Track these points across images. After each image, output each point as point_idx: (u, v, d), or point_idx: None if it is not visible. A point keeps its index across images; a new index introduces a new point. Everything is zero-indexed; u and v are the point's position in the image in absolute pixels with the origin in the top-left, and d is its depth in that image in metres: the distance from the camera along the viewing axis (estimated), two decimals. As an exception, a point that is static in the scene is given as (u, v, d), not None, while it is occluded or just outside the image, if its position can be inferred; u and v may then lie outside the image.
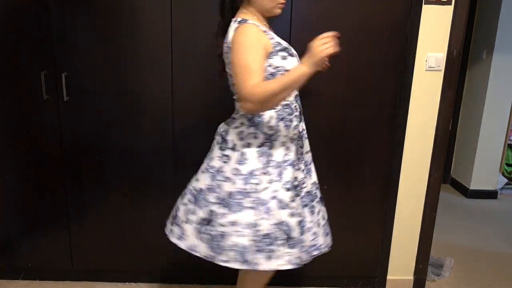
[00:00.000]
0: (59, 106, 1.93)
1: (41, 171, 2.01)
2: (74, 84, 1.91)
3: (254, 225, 1.37)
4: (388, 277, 2.18)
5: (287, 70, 1.35)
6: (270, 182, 1.39)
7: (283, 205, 1.39)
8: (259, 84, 1.26)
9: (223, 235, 1.39)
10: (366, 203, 2.07)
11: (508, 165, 3.88)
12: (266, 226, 1.36)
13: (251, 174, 1.40)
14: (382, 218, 2.09)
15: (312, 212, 1.51)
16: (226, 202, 1.41)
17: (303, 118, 1.52)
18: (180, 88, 1.91)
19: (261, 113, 1.39)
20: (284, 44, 1.41)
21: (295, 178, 1.46)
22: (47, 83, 1.89)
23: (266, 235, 1.37)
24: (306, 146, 1.54)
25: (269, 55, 1.35)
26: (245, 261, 1.37)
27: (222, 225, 1.39)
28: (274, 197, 1.38)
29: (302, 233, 1.45)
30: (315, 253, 1.50)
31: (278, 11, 1.40)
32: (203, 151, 1.99)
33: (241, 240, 1.37)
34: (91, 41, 1.87)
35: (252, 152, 1.41)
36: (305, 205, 1.50)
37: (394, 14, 1.85)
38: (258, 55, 1.30)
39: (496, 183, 3.65)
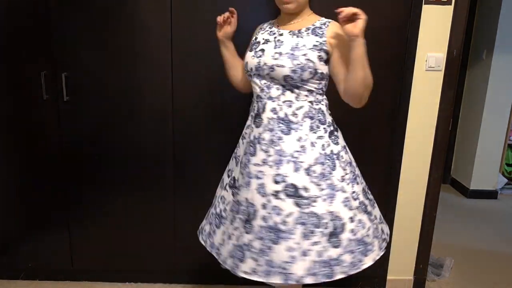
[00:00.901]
0: (59, 106, 1.93)
1: (41, 171, 2.01)
2: (74, 84, 1.91)
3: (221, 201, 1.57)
4: (388, 277, 2.18)
5: (246, 62, 1.45)
6: (230, 163, 1.58)
7: (221, 185, 1.59)
8: None
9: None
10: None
11: (508, 165, 3.88)
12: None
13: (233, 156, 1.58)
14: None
15: (231, 222, 1.45)
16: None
17: (271, 128, 1.38)
18: (180, 88, 1.91)
19: None
20: (260, 39, 1.47)
21: (237, 178, 1.47)
22: (47, 83, 1.89)
23: (217, 215, 1.55)
24: (259, 158, 1.38)
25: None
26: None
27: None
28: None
29: (217, 225, 1.52)
30: (215, 255, 1.52)
31: (283, 6, 1.42)
32: (203, 151, 2.00)
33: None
34: (91, 41, 1.87)
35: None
36: (231, 210, 1.46)
37: (394, 14, 1.85)
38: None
39: (496, 183, 3.65)
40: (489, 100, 3.45)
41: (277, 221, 1.33)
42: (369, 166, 2.03)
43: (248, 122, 1.48)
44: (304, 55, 1.35)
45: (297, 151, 1.36)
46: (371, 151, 2.01)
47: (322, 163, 1.37)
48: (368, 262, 1.41)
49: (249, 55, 1.46)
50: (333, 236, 1.34)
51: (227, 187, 1.52)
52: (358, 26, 1.27)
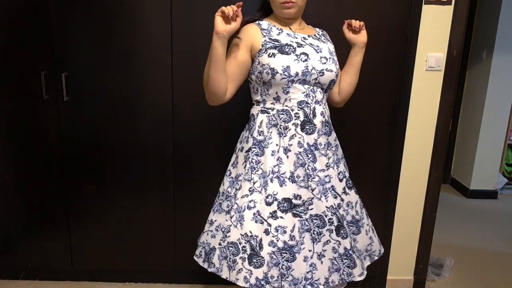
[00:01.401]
0: (59, 106, 1.93)
1: (41, 171, 2.01)
2: (74, 84, 1.91)
3: (225, 230, 1.36)
4: (388, 277, 2.18)
5: (272, 68, 1.31)
6: (251, 190, 1.34)
7: (258, 218, 1.31)
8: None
9: (202, 231, 1.48)
10: (366, 203, 2.06)
11: (508, 165, 3.88)
12: (235, 234, 1.32)
13: (236, 178, 1.40)
14: (382, 218, 2.09)
15: (314, 240, 1.34)
16: (215, 200, 1.47)
17: (325, 131, 1.40)
18: (180, 88, 1.91)
19: (253, 117, 1.42)
20: (285, 42, 1.35)
21: (298, 196, 1.34)
22: (47, 83, 1.89)
23: (232, 243, 1.32)
24: (322, 163, 1.37)
25: (258, 52, 1.35)
26: (211, 263, 1.39)
27: (206, 221, 1.48)
28: (250, 207, 1.32)
29: (290, 259, 1.30)
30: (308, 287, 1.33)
31: (283, 11, 1.37)
32: (203, 151, 2.00)
33: (211, 241, 1.41)
34: (91, 41, 1.87)
35: (241, 156, 1.41)
36: (307, 230, 1.33)
37: (394, 14, 1.85)
38: (234, 51, 1.36)
39: (496, 183, 3.65)
40: (489, 100, 3.45)
41: (353, 214, 1.45)
42: (369, 166, 2.03)
43: (292, 132, 1.35)
44: (337, 60, 1.45)
45: (336, 150, 1.46)
46: (371, 151, 2.02)
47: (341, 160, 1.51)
48: (377, 245, 1.55)
49: (288, 59, 1.32)
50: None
51: (280, 213, 1.31)
52: (365, 35, 1.48)
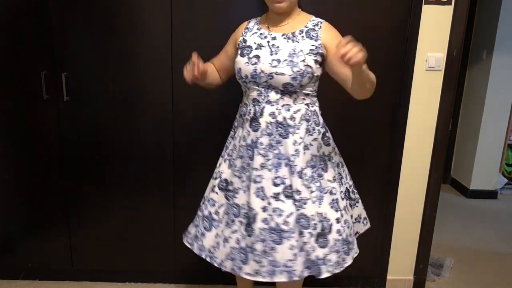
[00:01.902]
0: (59, 106, 1.93)
1: (41, 171, 2.01)
2: (74, 84, 1.91)
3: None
4: (388, 277, 2.18)
5: (239, 68, 1.41)
6: (218, 164, 1.56)
7: (209, 187, 1.57)
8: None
9: None
10: (366, 203, 2.07)
11: (508, 165, 3.88)
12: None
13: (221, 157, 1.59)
14: (382, 218, 2.09)
15: (227, 225, 1.44)
16: None
17: (269, 132, 1.38)
18: (180, 88, 1.91)
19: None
20: (251, 43, 1.42)
21: (231, 182, 1.46)
22: (47, 83, 1.89)
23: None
24: (257, 162, 1.38)
25: (236, 51, 1.47)
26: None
27: None
28: (211, 178, 1.57)
29: (206, 227, 1.50)
30: (207, 259, 1.49)
31: (275, 6, 1.37)
32: (203, 151, 2.00)
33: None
34: (91, 41, 1.87)
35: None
36: (226, 213, 1.46)
37: (394, 14, 1.85)
38: (226, 46, 1.56)
39: (496, 183, 3.65)
40: (489, 100, 3.44)
41: (279, 222, 1.35)
42: (369, 166, 2.03)
43: (244, 125, 1.45)
44: (303, 61, 1.34)
45: (293, 155, 1.38)
46: (371, 151, 2.01)
47: (314, 166, 1.41)
48: (349, 261, 1.45)
49: (241, 61, 1.41)
50: (321, 236, 1.38)
51: (217, 189, 1.50)
52: (360, 58, 1.16)
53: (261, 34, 1.43)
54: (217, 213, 1.48)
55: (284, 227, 1.35)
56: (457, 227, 3.06)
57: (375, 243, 2.11)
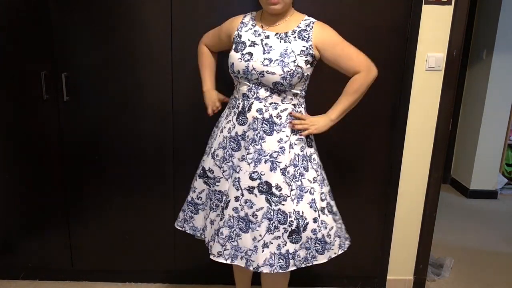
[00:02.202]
0: (59, 106, 1.93)
1: (41, 171, 2.01)
2: (74, 84, 1.91)
3: None
4: (388, 277, 2.18)
5: (228, 62, 1.47)
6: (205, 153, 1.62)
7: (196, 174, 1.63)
8: (204, 35, 1.68)
9: None
10: (366, 203, 2.07)
11: (508, 165, 3.88)
12: None
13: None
14: (382, 218, 2.09)
15: (211, 208, 1.55)
16: None
17: (255, 127, 1.43)
18: (179, 88, 1.91)
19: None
20: (245, 39, 1.46)
21: (211, 170, 1.54)
22: (47, 83, 1.89)
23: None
24: (240, 154, 1.45)
25: (231, 44, 1.51)
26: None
27: None
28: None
29: (193, 211, 1.61)
30: (202, 237, 1.61)
31: (269, 7, 1.40)
32: (203, 151, 1.99)
33: None
34: (91, 41, 1.87)
35: None
36: (210, 199, 1.55)
37: (394, 14, 1.85)
38: (220, 27, 1.60)
39: (496, 183, 3.65)
40: (489, 100, 3.44)
41: (249, 213, 1.43)
42: (369, 166, 2.03)
43: (229, 117, 1.51)
44: (294, 61, 1.39)
45: (276, 152, 1.42)
46: (371, 151, 2.01)
47: (296, 165, 1.44)
48: (322, 259, 1.49)
49: (235, 56, 1.45)
50: (295, 233, 1.42)
51: (197, 177, 1.60)
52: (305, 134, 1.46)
53: (255, 31, 1.47)
54: (199, 198, 1.60)
55: (252, 218, 1.42)
56: (457, 227, 3.06)
57: (375, 243, 2.12)
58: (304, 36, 1.42)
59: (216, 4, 1.83)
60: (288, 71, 1.37)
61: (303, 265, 1.45)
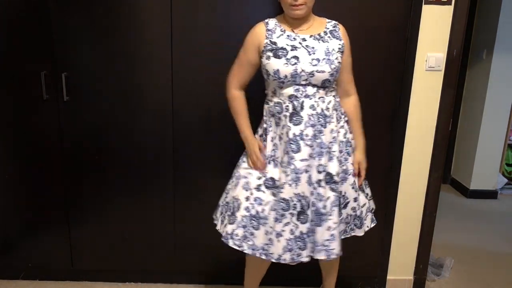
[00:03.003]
0: (59, 106, 1.93)
1: (41, 171, 2.01)
2: (74, 84, 1.91)
3: (226, 191, 1.65)
4: (388, 277, 2.18)
5: (266, 70, 1.50)
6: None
7: (246, 187, 1.56)
8: (228, 79, 1.61)
9: None
10: (366, 203, 2.07)
11: (508, 165, 3.88)
12: (230, 196, 1.61)
13: (247, 152, 1.62)
14: (382, 218, 2.09)
15: (276, 220, 1.51)
16: None
17: (313, 123, 1.49)
18: (180, 88, 1.91)
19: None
20: (283, 45, 1.48)
21: (279, 178, 1.53)
22: (47, 83, 1.89)
23: (227, 203, 1.62)
24: (305, 153, 1.49)
25: (261, 54, 1.52)
26: (215, 217, 1.68)
27: None
28: (245, 177, 1.58)
29: (255, 226, 1.54)
30: (262, 256, 1.54)
31: (292, 12, 1.47)
32: (203, 151, 2.00)
33: (220, 200, 1.68)
34: (91, 41, 1.87)
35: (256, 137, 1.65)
36: (274, 210, 1.52)
37: (394, 14, 1.85)
38: (243, 52, 1.56)
39: (496, 183, 3.65)
40: (489, 100, 3.44)
41: (320, 207, 1.51)
42: (369, 166, 2.03)
43: (280, 122, 1.52)
44: (336, 58, 1.51)
45: (331, 142, 1.53)
46: (371, 151, 2.01)
47: (341, 151, 1.57)
48: (359, 233, 1.69)
49: (278, 62, 1.47)
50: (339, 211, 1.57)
51: (263, 188, 1.55)
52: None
53: (288, 36, 1.51)
54: (263, 211, 1.54)
55: (322, 210, 1.51)
56: (457, 227, 3.06)
57: (375, 243, 2.12)
58: (336, 35, 1.54)
59: (216, 4, 1.83)
60: (334, 68, 1.49)
61: (342, 237, 1.62)
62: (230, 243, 1.56)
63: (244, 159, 1.62)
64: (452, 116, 2.03)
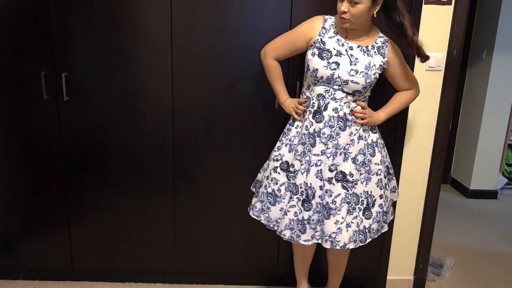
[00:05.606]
0: (59, 106, 1.93)
1: (41, 171, 2.01)
2: (74, 84, 1.91)
3: (262, 169, 1.84)
4: (388, 277, 2.18)
5: (307, 65, 1.59)
6: (276, 149, 1.74)
7: (266, 168, 1.78)
8: (267, 48, 1.71)
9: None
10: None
11: (508, 165, 3.88)
12: (260, 174, 1.83)
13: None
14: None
15: (289, 199, 1.66)
16: None
17: (331, 125, 1.60)
18: (180, 88, 1.91)
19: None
20: (330, 48, 1.56)
21: (292, 164, 1.66)
22: (47, 83, 1.89)
23: (257, 180, 1.84)
24: (318, 149, 1.61)
25: (309, 46, 1.61)
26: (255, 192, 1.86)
27: None
28: (269, 159, 1.77)
29: (271, 202, 1.70)
30: (274, 228, 1.72)
31: (341, 22, 1.53)
32: (203, 151, 2.00)
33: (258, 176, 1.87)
34: (91, 41, 1.87)
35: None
36: (290, 191, 1.67)
37: (394, 14, 1.85)
38: (294, 35, 1.65)
39: (496, 183, 3.65)
40: (489, 100, 3.45)
41: (329, 201, 1.61)
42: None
43: (304, 115, 1.65)
44: (374, 74, 1.59)
45: (348, 144, 1.62)
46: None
47: (364, 153, 1.65)
48: (385, 228, 1.76)
49: (319, 63, 1.56)
50: (367, 210, 1.67)
51: (279, 170, 1.69)
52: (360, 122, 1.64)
53: (338, 40, 1.58)
54: (279, 190, 1.69)
55: (332, 205, 1.61)
56: (457, 227, 3.06)
57: (375, 243, 2.11)
58: (381, 52, 1.61)
59: (216, 4, 1.83)
60: (369, 82, 1.57)
61: (375, 236, 1.71)
62: (250, 213, 1.78)
63: (278, 143, 1.74)
64: (452, 116, 2.03)
